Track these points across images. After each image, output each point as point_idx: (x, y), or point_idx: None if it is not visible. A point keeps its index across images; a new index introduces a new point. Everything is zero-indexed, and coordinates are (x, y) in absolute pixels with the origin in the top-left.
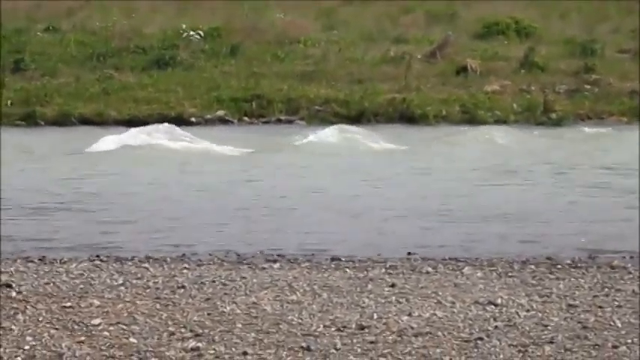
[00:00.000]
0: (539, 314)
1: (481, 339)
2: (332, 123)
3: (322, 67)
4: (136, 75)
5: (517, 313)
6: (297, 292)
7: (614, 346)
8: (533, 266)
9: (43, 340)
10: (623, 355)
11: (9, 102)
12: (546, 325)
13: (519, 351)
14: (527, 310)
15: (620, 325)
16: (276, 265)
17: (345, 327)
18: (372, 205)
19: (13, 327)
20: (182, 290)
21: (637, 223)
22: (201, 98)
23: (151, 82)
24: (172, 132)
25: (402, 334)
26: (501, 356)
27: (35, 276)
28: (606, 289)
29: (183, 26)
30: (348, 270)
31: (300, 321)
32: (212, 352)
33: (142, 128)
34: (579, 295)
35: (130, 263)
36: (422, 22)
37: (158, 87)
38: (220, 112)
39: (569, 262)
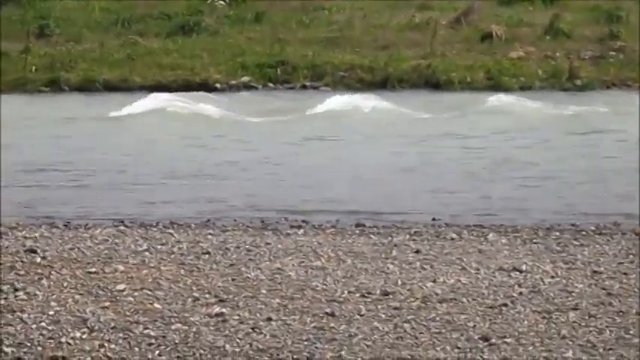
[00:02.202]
0: (564, 281)
1: (505, 305)
2: (357, 89)
3: (347, 33)
4: (161, 41)
5: (541, 279)
6: (322, 258)
7: (639, 313)
8: (557, 233)
9: (68, 305)
10: None
11: (33, 68)
12: (571, 292)
13: (543, 317)
14: (552, 277)
15: None
16: (301, 231)
17: (369, 293)
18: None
19: (38, 292)
20: (206, 256)
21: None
22: (225, 64)
23: (176, 48)
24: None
25: (427, 300)
26: (526, 322)
27: (60, 241)
28: (631, 256)
29: None
30: (372, 236)
31: (324, 287)
32: (236, 317)
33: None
34: (604, 262)
35: (154, 229)
36: None
37: (183, 53)
38: (245, 79)
39: (593, 228)
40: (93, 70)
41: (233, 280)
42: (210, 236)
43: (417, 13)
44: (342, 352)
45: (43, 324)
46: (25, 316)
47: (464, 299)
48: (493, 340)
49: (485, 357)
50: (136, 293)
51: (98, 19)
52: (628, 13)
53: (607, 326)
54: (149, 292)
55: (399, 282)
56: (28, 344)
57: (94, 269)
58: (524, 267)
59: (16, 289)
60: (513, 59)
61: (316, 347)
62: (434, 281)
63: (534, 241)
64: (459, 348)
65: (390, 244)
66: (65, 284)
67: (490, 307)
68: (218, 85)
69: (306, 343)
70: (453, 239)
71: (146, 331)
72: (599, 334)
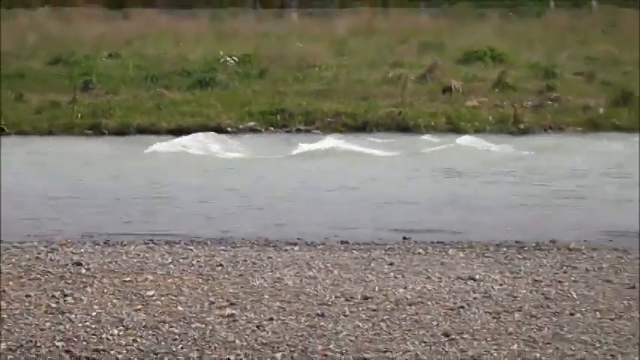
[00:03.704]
0: (510, 287)
1: (463, 307)
2: (341, 132)
3: (334, 86)
4: (182, 93)
5: (492, 286)
6: (314, 269)
7: (571, 314)
8: (505, 248)
9: (107, 308)
10: (577, 320)
11: (79, 115)
12: (515, 297)
13: (494, 317)
14: (500, 284)
15: (575, 296)
16: (297, 248)
17: (352, 297)
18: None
19: (83, 297)
20: (220, 267)
21: None
22: (235, 112)
23: (195, 99)
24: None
25: (399, 303)
26: (479, 321)
27: (101, 256)
28: (565, 267)
29: (221, 53)
30: (355, 251)
31: (315, 293)
32: (244, 317)
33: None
34: (542, 272)
35: (177, 245)
36: (415, 50)
37: (200, 102)
38: (251, 123)
39: (534, 244)
40: (128, 116)
41: (242, 287)
42: (223, 251)
43: (390, 70)
44: (331, 346)
45: (87, 323)
46: (72, 316)
47: (429, 302)
48: (453, 336)
49: (446, 350)
50: (162, 298)
51: (132, 75)
52: (562, 70)
53: (545, 324)
54: (173, 297)
55: (377, 288)
56: (75, 339)
57: (128, 278)
58: (477, 276)
59: (65, 295)
60: (469, 107)
61: (309, 342)
62: (404, 288)
63: (486, 255)
64: (425, 342)
65: (368, 257)
66: (105, 291)
67: (450, 309)
68: (229, 129)
69: (301, 338)
70: (420, 254)
71: (171, 329)
72: (538, 330)
